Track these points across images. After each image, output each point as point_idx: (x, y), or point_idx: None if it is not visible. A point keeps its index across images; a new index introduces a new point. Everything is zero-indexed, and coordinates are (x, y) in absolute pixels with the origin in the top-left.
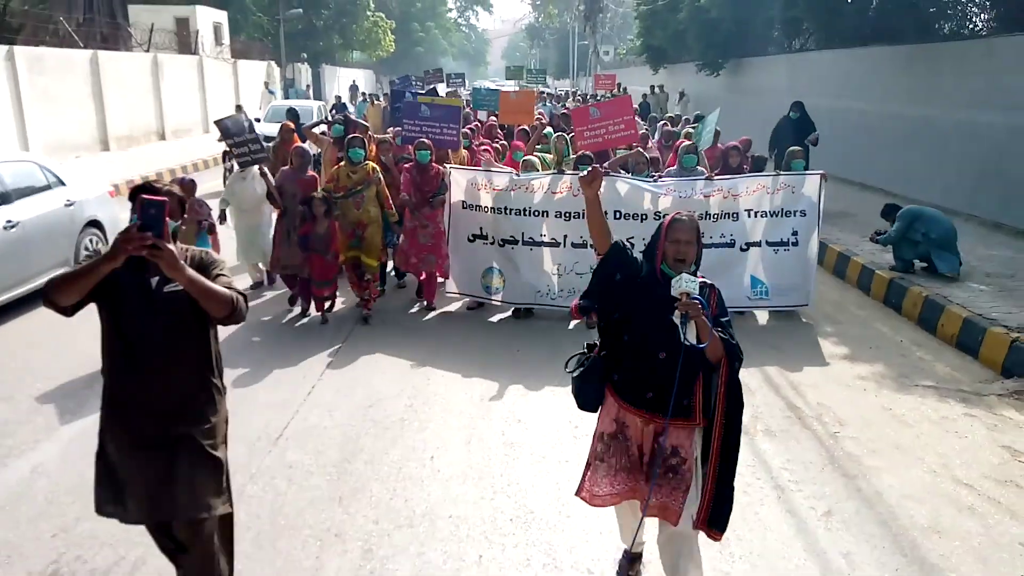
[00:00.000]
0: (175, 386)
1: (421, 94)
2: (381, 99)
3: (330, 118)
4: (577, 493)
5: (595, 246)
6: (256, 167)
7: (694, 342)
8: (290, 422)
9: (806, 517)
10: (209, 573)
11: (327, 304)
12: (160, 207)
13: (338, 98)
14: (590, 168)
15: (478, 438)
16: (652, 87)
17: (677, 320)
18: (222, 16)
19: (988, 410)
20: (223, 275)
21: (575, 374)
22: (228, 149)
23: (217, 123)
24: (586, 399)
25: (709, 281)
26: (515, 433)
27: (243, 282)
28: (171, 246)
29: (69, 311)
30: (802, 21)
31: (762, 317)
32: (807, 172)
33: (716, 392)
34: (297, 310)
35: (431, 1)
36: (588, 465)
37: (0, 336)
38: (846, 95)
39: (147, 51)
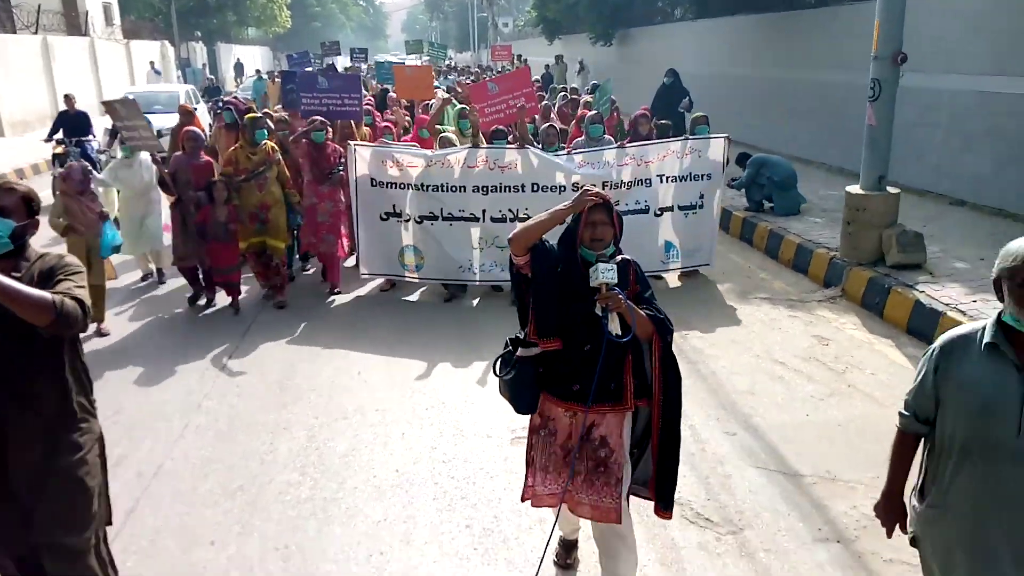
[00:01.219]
0: (30, 408)
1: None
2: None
3: (196, 101)
4: (523, 498)
5: (519, 242)
6: (146, 153)
7: (619, 334)
8: (187, 425)
9: None
10: None
11: (236, 291)
12: None
13: (210, 80)
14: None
15: (399, 362)
16: (556, 57)
17: (599, 312)
18: None
19: (808, 312)
20: (68, 280)
21: (507, 377)
22: (58, 153)
23: (105, 103)
24: (521, 403)
25: (628, 257)
26: (438, 373)
27: (133, 276)
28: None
29: None
30: None
31: (672, 279)
32: (712, 136)
33: (650, 371)
34: (202, 301)
35: None
36: (527, 464)
37: None
38: (719, 61)
39: (35, 33)
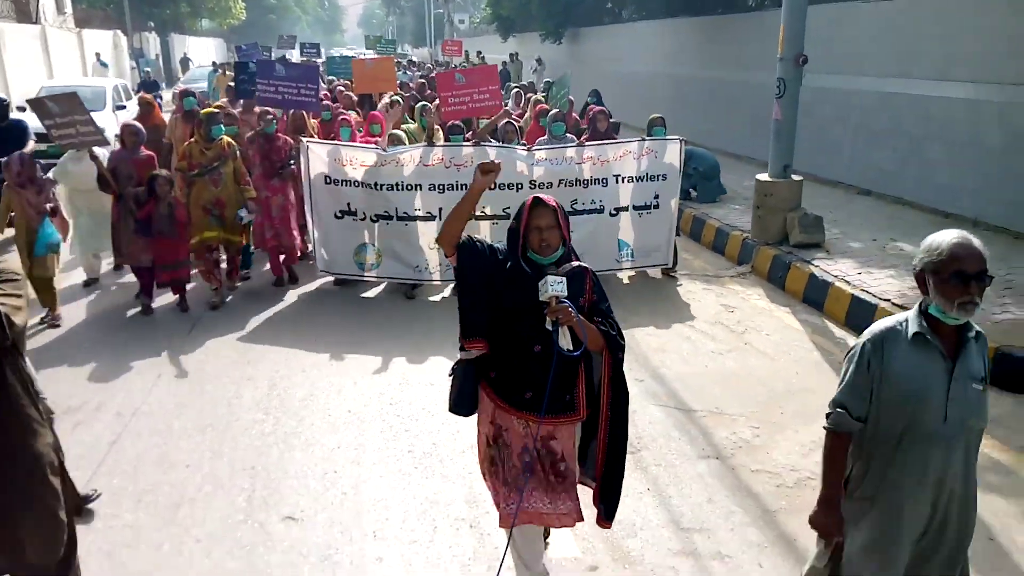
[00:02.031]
0: None
1: (255, 61)
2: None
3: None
4: (501, 524)
5: (443, 238)
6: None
7: (570, 348)
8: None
9: None
10: None
11: (182, 288)
12: None
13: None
14: (493, 160)
15: (353, 356)
16: (510, 55)
17: (548, 327)
18: None
19: (720, 285)
20: None
21: (450, 376)
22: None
23: (31, 102)
24: (461, 405)
25: (585, 265)
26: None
27: (75, 278)
28: None
29: None
30: None
31: (624, 276)
32: (669, 138)
33: (599, 382)
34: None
35: None
36: (486, 477)
37: None
38: (661, 61)
39: None
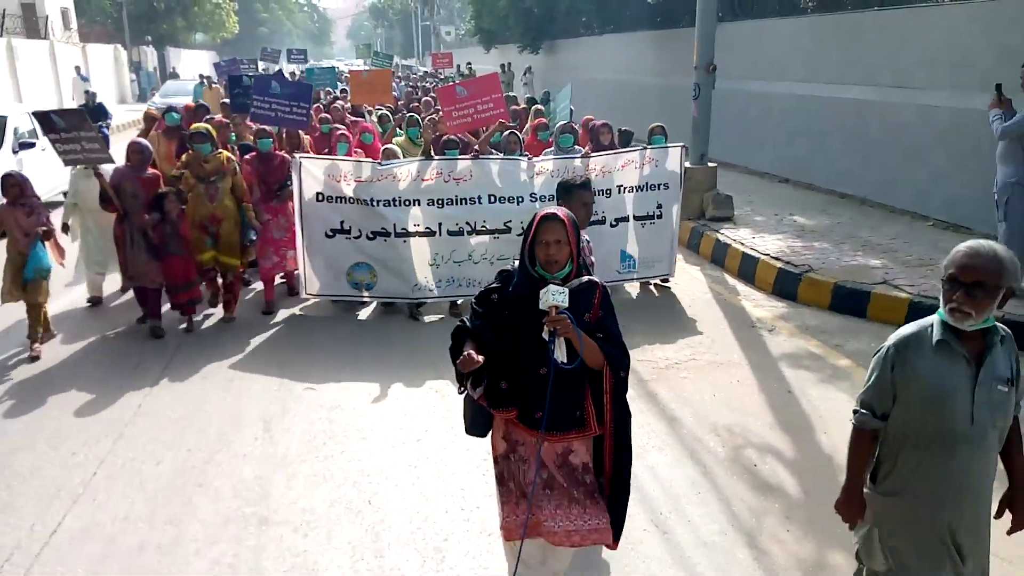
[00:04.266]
0: None
1: (251, 76)
2: (217, 82)
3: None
4: (506, 538)
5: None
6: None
7: (565, 360)
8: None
9: None
10: None
11: (193, 309)
12: None
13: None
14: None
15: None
16: (501, 65)
17: (546, 337)
18: (68, 1)
19: None
20: None
21: (463, 394)
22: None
23: (36, 115)
24: (476, 426)
25: (595, 279)
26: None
27: (72, 295)
28: None
29: None
30: (585, 12)
31: (632, 288)
32: (669, 145)
33: (604, 400)
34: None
35: None
36: (498, 496)
37: None
38: (624, 69)
39: (0, 36)
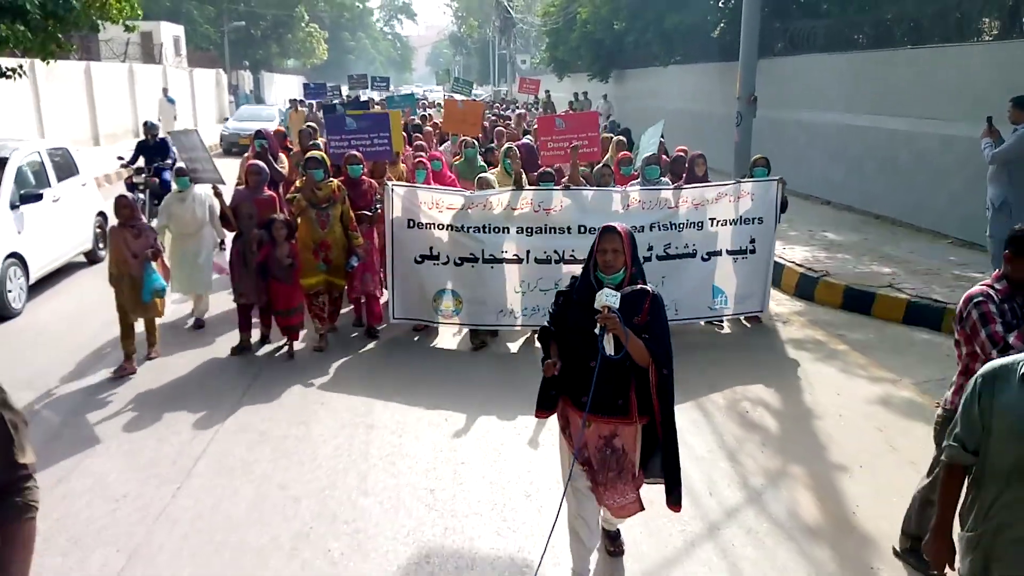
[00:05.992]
0: None
1: (340, 103)
2: (305, 106)
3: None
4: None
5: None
6: (208, 186)
7: (612, 353)
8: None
9: None
10: None
11: (295, 335)
12: None
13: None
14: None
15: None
16: (575, 94)
17: (597, 332)
18: (180, 30)
19: None
20: None
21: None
22: (131, 180)
23: (171, 134)
24: (543, 402)
25: (649, 289)
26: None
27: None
28: None
29: None
30: (652, 44)
31: (725, 325)
32: (767, 179)
33: (650, 393)
34: (254, 340)
35: (359, 12)
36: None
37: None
38: (688, 99)
39: (123, 62)
